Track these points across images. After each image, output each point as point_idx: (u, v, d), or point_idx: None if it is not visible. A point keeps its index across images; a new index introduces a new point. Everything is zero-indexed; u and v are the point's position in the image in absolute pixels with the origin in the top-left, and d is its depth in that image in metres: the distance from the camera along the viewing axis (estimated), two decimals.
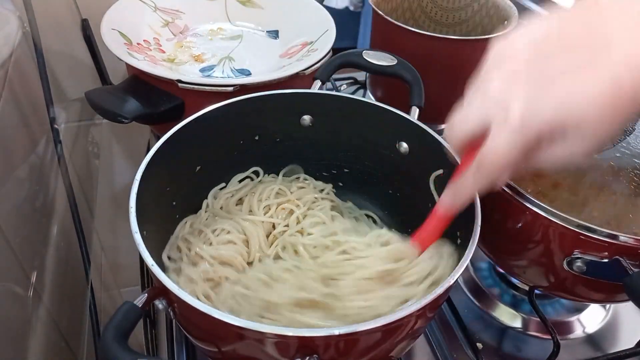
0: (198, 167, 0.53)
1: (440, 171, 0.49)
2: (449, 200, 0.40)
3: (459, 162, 0.42)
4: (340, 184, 0.61)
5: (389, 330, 0.35)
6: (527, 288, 0.57)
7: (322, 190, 0.59)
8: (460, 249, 0.41)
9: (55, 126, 0.72)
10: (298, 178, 0.60)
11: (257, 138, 0.56)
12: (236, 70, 0.75)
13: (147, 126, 0.77)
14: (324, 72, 0.59)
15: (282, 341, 0.33)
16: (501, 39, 0.37)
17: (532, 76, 0.33)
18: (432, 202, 0.51)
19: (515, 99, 0.33)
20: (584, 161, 0.36)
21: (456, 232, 0.47)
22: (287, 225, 0.54)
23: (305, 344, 0.33)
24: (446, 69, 0.71)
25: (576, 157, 0.33)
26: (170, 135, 0.47)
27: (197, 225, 0.52)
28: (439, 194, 0.49)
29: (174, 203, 0.50)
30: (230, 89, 0.59)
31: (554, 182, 0.49)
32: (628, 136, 0.53)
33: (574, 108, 0.31)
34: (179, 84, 0.60)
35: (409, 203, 0.55)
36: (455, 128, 0.37)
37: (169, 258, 0.48)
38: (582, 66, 0.31)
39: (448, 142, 0.38)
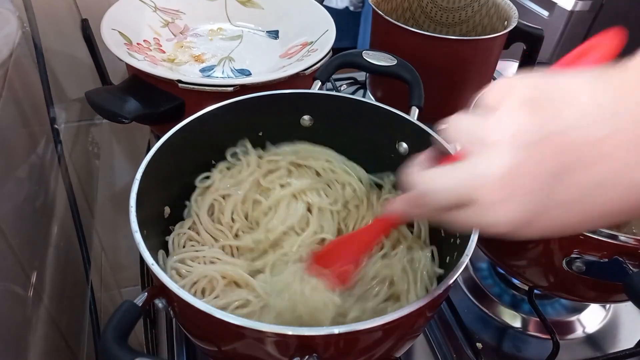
0: (198, 167, 0.53)
1: None
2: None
3: (451, 152, 0.43)
4: None
5: (389, 330, 0.35)
6: (527, 288, 0.57)
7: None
8: (459, 249, 0.41)
9: (55, 126, 0.72)
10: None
11: (256, 138, 0.56)
12: (236, 70, 0.75)
13: (147, 126, 0.77)
14: (324, 72, 0.59)
15: (281, 340, 0.33)
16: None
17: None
18: None
19: (513, 210, 0.28)
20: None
21: (455, 231, 0.47)
22: None
23: (305, 343, 0.33)
24: (446, 69, 0.72)
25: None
26: (170, 135, 0.47)
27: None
28: None
29: (174, 203, 0.50)
30: (230, 89, 0.59)
31: None
32: None
33: (567, 232, 0.29)
34: (179, 84, 0.60)
35: None
36: (450, 133, 0.33)
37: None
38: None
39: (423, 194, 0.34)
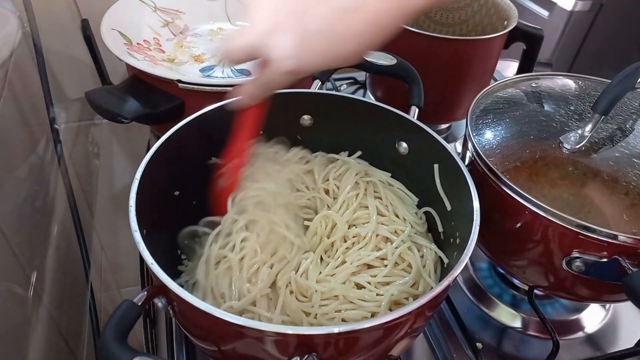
0: (198, 167, 0.53)
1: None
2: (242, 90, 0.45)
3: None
4: None
5: (388, 329, 0.35)
6: (526, 288, 0.57)
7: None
8: (459, 249, 0.41)
9: (55, 126, 0.72)
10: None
11: (256, 138, 0.56)
12: (236, 70, 0.75)
13: (147, 126, 0.77)
14: (324, 72, 0.59)
15: (281, 339, 0.33)
16: None
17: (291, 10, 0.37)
18: (432, 200, 0.52)
19: (282, 46, 0.37)
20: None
21: (455, 231, 0.47)
22: None
23: (305, 342, 0.33)
24: (446, 69, 0.72)
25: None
26: (170, 135, 0.47)
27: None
28: (442, 184, 0.49)
29: (174, 202, 0.50)
30: (230, 89, 0.59)
31: (554, 182, 0.49)
32: (627, 136, 0.53)
33: (340, 56, 0.38)
34: (179, 84, 0.60)
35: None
36: (231, 45, 0.41)
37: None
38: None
39: (222, 52, 0.42)
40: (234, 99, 0.45)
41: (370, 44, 0.38)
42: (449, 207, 0.49)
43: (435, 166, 0.50)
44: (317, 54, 0.38)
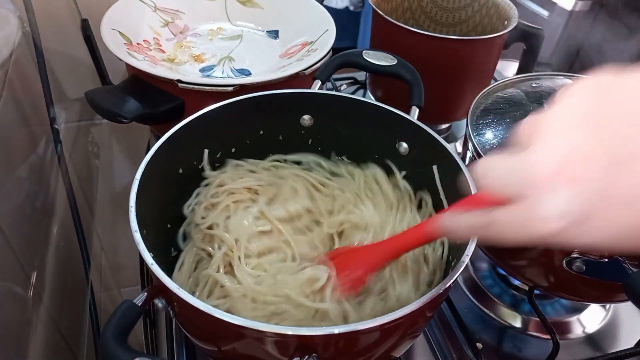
0: (198, 167, 0.53)
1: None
2: (437, 223, 0.35)
3: (472, 192, 0.42)
4: None
5: (388, 329, 0.35)
6: (527, 288, 0.57)
7: None
8: (459, 249, 0.41)
9: (55, 126, 0.72)
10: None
11: (256, 138, 0.56)
12: (236, 70, 0.75)
13: (147, 126, 0.77)
14: (324, 72, 0.59)
15: (281, 340, 0.33)
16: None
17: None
18: (432, 200, 0.51)
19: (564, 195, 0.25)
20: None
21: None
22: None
23: (305, 343, 0.33)
24: (446, 69, 0.72)
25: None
26: (170, 135, 0.47)
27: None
28: (443, 186, 0.49)
29: (174, 202, 0.50)
30: (230, 89, 0.59)
31: None
32: None
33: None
34: (179, 84, 0.60)
35: None
36: (489, 177, 0.29)
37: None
38: None
39: (475, 178, 0.33)
40: (440, 221, 0.34)
41: None
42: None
43: (434, 167, 0.50)
44: (610, 226, 0.25)
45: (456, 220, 0.33)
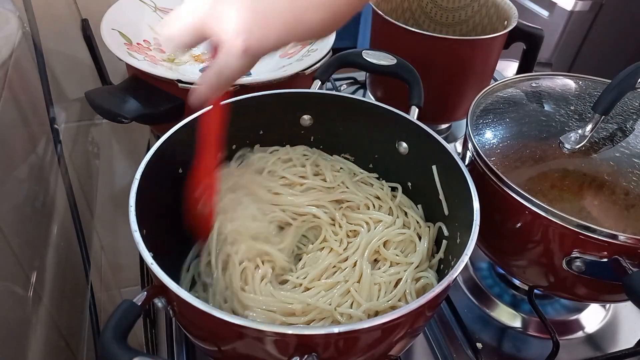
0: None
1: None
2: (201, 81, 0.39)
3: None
4: None
5: (388, 329, 0.35)
6: (527, 288, 0.57)
7: None
8: (459, 249, 0.41)
9: (55, 126, 0.72)
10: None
11: (257, 137, 0.56)
12: None
13: (147, 126, 0.77)
14: (324, 72, 0.59)
15: (281, 339, 0.33)
16: None
17: None
18: (432, 199, 0.52)
19: (228, 21, 0.33)
20: None
21: (456, 232, 0.47)
22: None
23: (305, 342, 0.33)
24: (446, 69, 0.72)
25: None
26: (170, 135, 0.47)
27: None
28: (442, 184, 0.49)
29: (174, 202, 0.50)
30: (230, 89, 0.59)
31: (554, 182, 0.49)
32: (628, 136, 0.53)
33: (301, 30, 0.32)
34: (179, 84, 0.60)
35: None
36: (172, 29, 0.36)
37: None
38: None
39: (165, 39, 0.38)
40: (194, 93, 0.39)
41: (336, 15, 0.33)
42: (446, 212, 0.50)
43: (434, 167, 0.50)
44: (272, 28, 0.32)
45: (202, 82, 0.38)
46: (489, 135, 0.53)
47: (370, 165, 0.58)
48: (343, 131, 0.57)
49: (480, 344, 0.54)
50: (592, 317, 0.58)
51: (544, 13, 1.43)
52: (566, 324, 0.57)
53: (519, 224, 0.47)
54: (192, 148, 0.50)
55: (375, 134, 0.55)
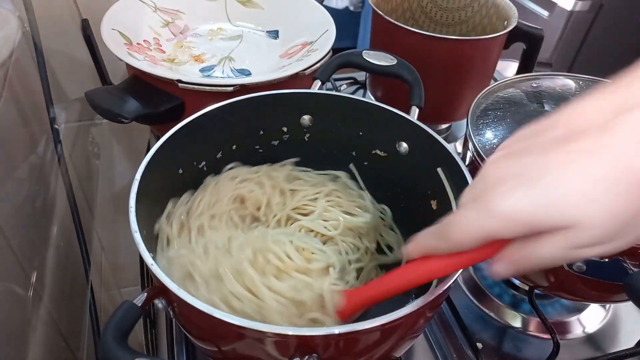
0: (199, 166, 0.53)
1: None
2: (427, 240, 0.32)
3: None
4: None
5: (389, 330, 0.35)
6: (527, 288, 0.57)
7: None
8: None
9: (55, 126, 0.72)
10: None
11: (256, 138, 0.56)
12: (236, 70, 0.75)
13: (147, 126, 0.77)
14: (324, 72, 0.59)
15: (281, 340, 0.33)
16: None
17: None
18: (432, 199, 0.51)
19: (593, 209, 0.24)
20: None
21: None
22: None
23: (305, 343, 0.33)
24: (446, 69, 0.72)
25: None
26: (170, 135, 0.47)
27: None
28: (450, 183, 0.48)
29: (174, 202, 0.50)
30: (230, 89, 0.59)
31: None
32: None
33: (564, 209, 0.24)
34: (179, 84, 0.60)
35: (408, 202, 0.55)
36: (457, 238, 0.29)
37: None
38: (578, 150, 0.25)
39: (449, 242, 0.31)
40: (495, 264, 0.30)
41: None
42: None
43: (439, 170, 0.50)
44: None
45: (416, 241, 0.33)
46: (490, 135, 0.53)
47: (370, 166, 0.58)
48: (343, 131, 0.57)
49: (480, 344, 0.54)
50: (592, 317, 0.58)
51: (544, 13, 1.43)
52: (566, 324, 0.57)
53: None
54: (192, 148, 0.51)
55: (375, 135, 0.55)
